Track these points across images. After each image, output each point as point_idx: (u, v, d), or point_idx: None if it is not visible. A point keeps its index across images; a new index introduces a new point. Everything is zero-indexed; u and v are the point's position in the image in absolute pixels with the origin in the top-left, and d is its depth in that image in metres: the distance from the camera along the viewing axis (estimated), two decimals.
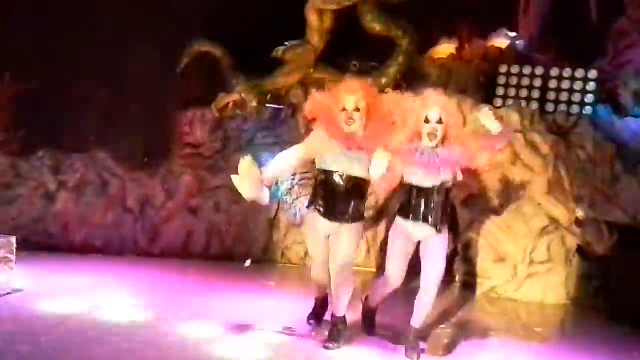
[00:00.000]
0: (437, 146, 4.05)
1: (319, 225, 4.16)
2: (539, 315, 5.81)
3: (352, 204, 4.07)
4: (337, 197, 4.06)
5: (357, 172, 4.03)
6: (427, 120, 4.03)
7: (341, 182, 4.03)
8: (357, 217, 4.14)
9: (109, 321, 4.24)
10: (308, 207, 4.24)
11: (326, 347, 4.14)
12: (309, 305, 4.71)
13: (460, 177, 4.13)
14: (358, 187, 4.09)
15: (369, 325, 4.56)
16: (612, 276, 5.92)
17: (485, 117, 4.09)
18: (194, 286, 5.47)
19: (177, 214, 6.64)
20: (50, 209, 6.32)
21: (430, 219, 4.05)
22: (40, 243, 6.12)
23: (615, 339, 5.06)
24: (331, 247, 4.16)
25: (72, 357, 3.61)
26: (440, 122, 4.02)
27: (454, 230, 6.26)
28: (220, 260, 6.61)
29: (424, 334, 4.43)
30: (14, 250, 4.79)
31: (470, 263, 6.43)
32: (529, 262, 6.19)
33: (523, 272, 6.21)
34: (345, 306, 4.23)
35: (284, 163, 4.11)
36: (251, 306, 5.00)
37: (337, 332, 4.22)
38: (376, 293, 4.42)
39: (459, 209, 6.40)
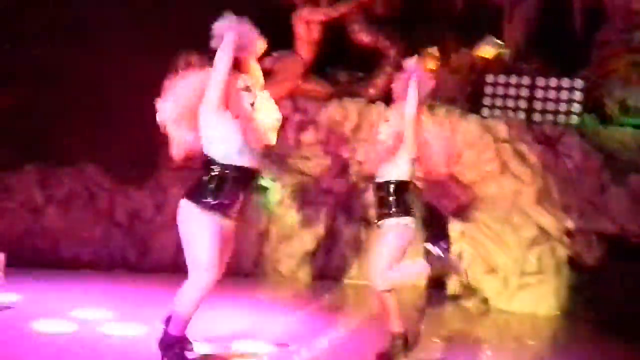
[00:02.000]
0: None
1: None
2: (530, 327, 5.81)
3: None
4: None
5: None
6: None
7: None
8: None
9: (100, 338, 4.19)
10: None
11: None
12: (301, 320, 4.67)
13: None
14: None
15: None
16: (602, 287, 5.96)
17: None
18: None
19: (167, 227, 6.58)
20: (38, 223, 6.24)
21: None
22: (29, 259, 6.03)
23: (606, 350, 5.08)
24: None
25: None
26: None
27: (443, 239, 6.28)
28: None
29: (414, 346, 4.42)
30: (3, 267, 4.72)
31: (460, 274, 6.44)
32: (520, 273, 6.20)
33: (514, 283, 6.22)
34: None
35: None
36: (244, 320, 4.96)
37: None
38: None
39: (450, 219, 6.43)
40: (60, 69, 6.86)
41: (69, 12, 6.97)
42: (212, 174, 3.52)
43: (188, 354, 3.71)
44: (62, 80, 6.85)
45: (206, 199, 3.49)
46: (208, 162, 3.55)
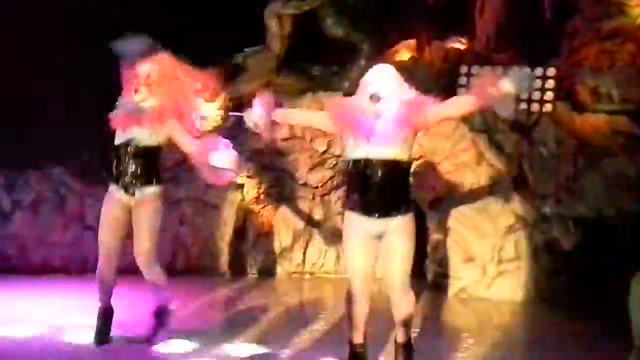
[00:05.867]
0: None
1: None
2: (509, 314, 5.81)
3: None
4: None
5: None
6: None
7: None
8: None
9: (72, 344, 4.05)
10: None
11: None
12: (280, 317, 4.58)
13: None
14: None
15: None
16: (579, 271, 5.98)
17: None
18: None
19: None
20: (5, 229, 6.06)
21: None
22: None
23: (584, 334, 5.07)
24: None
25: None
26: None
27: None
28: (186, 274, 6.43)
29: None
30: None
31: (439, 264, 6.42)
32: (498, 261, 6.20)
33: (492, 271, 6.22)
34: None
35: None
36: (222, 320, 4.86)
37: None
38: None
39: (427, 210, 6.39)
40: (26, 71, 6.68)
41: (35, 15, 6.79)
42: None
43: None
44: (27, 83, 6.67)
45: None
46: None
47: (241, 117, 7.38)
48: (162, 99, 3.98)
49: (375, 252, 3.44)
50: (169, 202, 6.61)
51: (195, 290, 5.81)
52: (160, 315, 4.21)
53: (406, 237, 3.40)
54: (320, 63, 7.77)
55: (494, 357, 4.35)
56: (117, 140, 4.04)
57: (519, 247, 6.18)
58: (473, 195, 6.38)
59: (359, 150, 3.37)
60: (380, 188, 3.34)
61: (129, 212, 4.03)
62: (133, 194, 4.00)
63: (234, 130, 7.31)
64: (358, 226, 3.40)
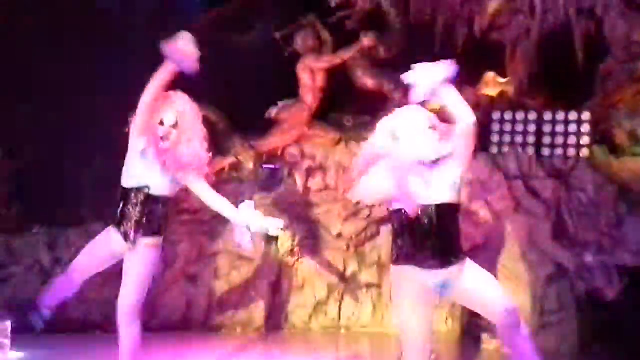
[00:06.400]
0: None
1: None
2: None
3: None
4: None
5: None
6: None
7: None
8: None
9: None
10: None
11: None
12: None
13: None
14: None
15: None
16: (625, 321, 5.77)
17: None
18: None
19: (175, 283, 6.47)
20: (45, 287, 6.14)
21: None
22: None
23: None
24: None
25: None
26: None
27: None
28: (221, 329, 6.41)
29: None
30: (9, 335, 4.62)
31: (479, 315, 6.25)
32: (540, 312, 6.02)
33: (535, 322, 6.03)
34: None
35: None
36: None
37: None
38: None
39: None
40: (68, 131, 6.88)
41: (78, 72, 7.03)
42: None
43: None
44: (70, 142, 6.87)
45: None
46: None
47: (275, 169, 7.52)
48: (189, 146, 3.74)
49: (433, 306, 3.18)
50: (204, 255, 6.68)
51: (231, 346, 5.78)
52: None
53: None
54: (352, 114, 7.84)
55: None
56: (128, 183, 3.76)
57: (562, 298, 6.00)
58: (511, 244, 6.25)
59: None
60: (436, 235, 3.11)
61: (121, 255, 3.83)
62: (133, 243, 3.75)
63: (266, 182, 7.40)
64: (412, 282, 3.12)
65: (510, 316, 3.09)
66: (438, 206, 3.10)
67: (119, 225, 3.78)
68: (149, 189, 3.71)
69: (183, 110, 3.78)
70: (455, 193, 3.17)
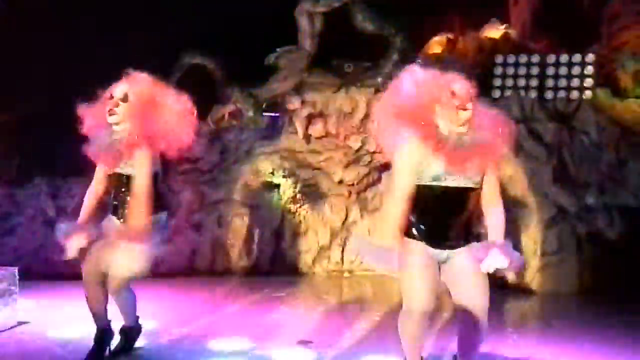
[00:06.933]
0: None
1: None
2: (553, 307, 5.70)
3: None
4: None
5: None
6: None
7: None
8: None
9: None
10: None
11: None
12: (322, 315, 4.59)
13: None
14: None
15: None
16: (624, 262, 5.82)
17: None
18: (204, 304, 5.36)
19: (180, 231, 6.53)
20: (50, 236, 6.18)
21: None
22: (43, 272, 6.00)
23: (631, 325, 4.93)
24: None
25: None
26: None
27: None
28: (225, 274, 6.51)
29: None
30: (17, 282, 4.68)
31: None
32: (541, 254, 6.07)
33: (535, 263, 6.10)
34: None
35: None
36: (264, 320, 4.89)
37: None
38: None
39: None
40: (67, 80, 6.81)
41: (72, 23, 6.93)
42: None
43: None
44: (68, 92, 6.79)
45: None
46: None
47: (276, 117, 7.47)
48: (137, 124, 3.58)
49: (437, 275, 3.15)
50: (207, 204, 6.71)
51: (236, 291, 5.87)
52: (128, 334, 4.01)
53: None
54: (352, 59, 7.73)
55: (539, 351, 4.28)
56: (108, 169, 3.71)
57: (562, 239, 6.05)
58: (513, 187, 6.26)
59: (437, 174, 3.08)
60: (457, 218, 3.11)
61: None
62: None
63: (267, 130, 7.36)
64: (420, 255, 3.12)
65: (479, 315, 3.11)
66: (465, 189, 3.11)
67: (114, 211, 3.75)
68: (125, 173, 3.65)
69: (139, 89, 3.64)
70: (481, 179, 3.17)
